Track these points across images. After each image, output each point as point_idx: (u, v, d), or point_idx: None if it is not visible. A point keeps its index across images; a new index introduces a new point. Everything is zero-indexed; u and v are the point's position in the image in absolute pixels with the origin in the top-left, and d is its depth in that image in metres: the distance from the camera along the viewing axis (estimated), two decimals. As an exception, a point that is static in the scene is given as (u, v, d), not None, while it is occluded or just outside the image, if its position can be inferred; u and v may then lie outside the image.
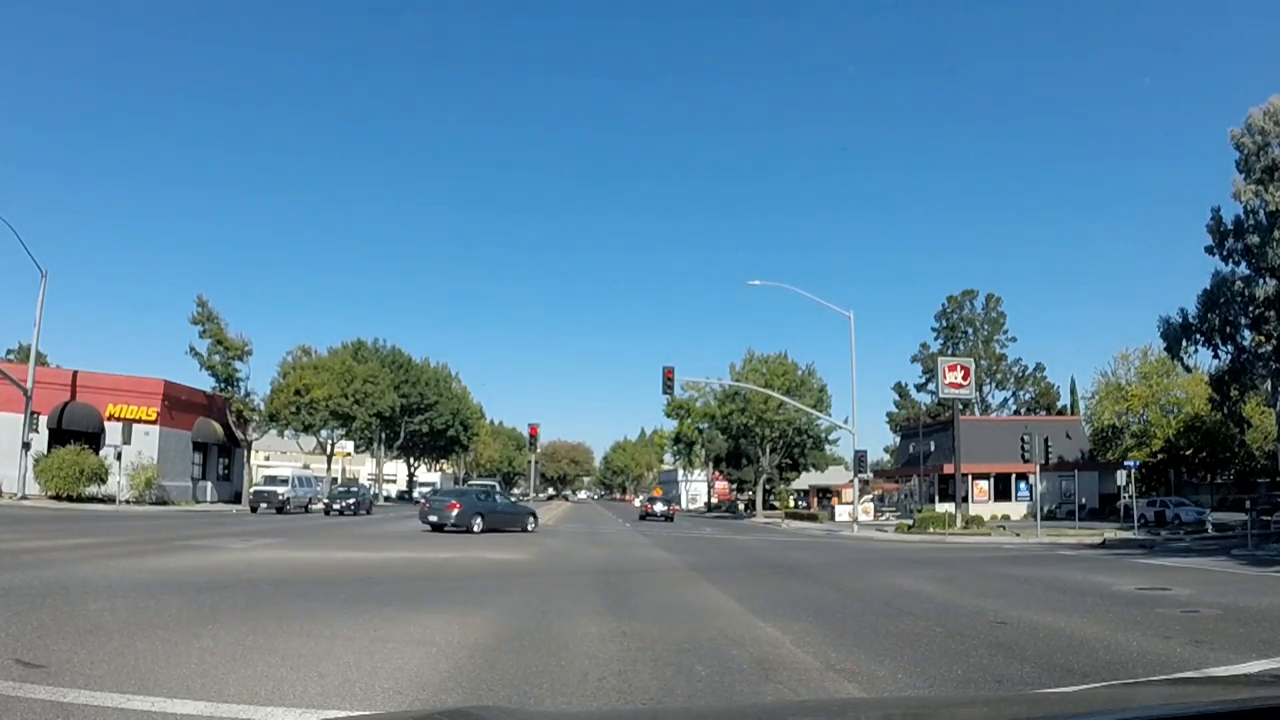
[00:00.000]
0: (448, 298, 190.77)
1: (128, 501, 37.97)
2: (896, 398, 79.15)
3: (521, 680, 6.36)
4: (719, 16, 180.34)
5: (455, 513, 28.70)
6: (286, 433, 58.82)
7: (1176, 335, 39.61)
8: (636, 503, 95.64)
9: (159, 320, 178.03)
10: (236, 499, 47.97)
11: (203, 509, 42.10)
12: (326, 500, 44.58)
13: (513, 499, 47.49)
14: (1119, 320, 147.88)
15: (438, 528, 28.65)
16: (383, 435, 71.60)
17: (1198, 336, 39.12)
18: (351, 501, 43.83)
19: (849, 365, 42.45)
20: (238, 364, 46.74)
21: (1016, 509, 51.74)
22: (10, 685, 5.53)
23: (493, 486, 47.43)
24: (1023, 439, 38.77)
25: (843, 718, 2.75)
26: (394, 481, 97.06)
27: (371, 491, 60.58)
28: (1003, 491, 54.30)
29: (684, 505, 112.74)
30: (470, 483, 56.16)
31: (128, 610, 8.94)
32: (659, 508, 52.09)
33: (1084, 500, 49.70)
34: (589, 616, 9.74)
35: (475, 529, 28.25)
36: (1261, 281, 35.32)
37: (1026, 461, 40.16)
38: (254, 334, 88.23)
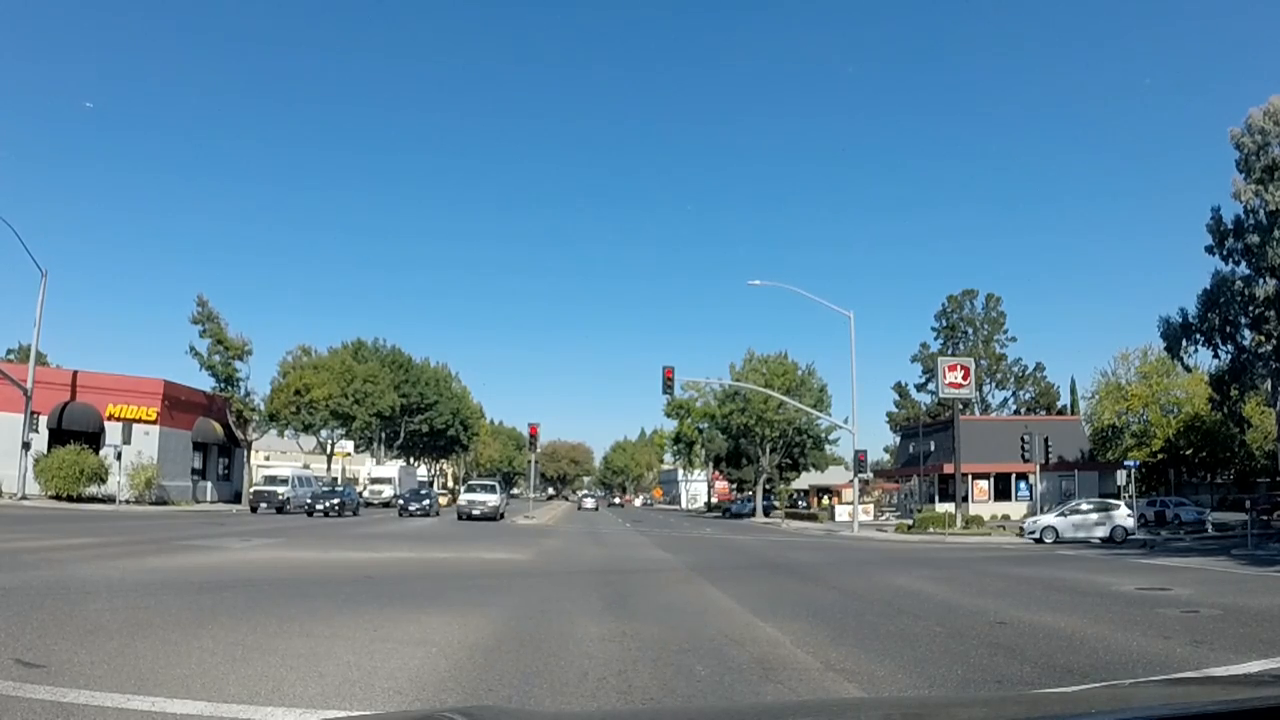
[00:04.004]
0: (448, 297, 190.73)
1: (128, 501, 37.94)
2: (896, 398, 79.12)
3: (521, 680, 6.36)
4: (720, 14, 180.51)
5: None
6: (286, 433, 58.77)
7: (1176, 335, 39.64)
8: (638, 502, 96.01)
9: (159, 320, 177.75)
10: (236, 499, 47.95)
11: (203, 509, 42.07)
12: (309, 500, 41.55)
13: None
14: (1119, 320, 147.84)
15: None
16: (383, 435, 71.59)
17: (1198, 336, 39.15)
18: (336, 502, 41.51)
19: (849, 365, 42.55)
20: (238, 364, 46.74)
21: (1016, 509, 51.71)
22: (10, 685, 5.53)
23: (493, 485, 47.48)
24: (1023, 439, 38.81)
25: (843, 718, 2.75)
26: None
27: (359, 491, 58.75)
28: (1003, 491, 54.29)
29: (684, 505, 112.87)
30: (470, 482, 55.39)
31: (128, 610, 8.94)
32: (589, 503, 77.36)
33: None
34: (589, 616, 9.74)
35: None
36: (1261, 281, 35.35)
37: (1026, 461, 40.19)
38: (254, 334, 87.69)
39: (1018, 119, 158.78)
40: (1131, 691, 3.89)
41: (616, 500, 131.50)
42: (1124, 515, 32.00)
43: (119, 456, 37.33)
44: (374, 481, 62.17)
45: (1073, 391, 75.06)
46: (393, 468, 66.15)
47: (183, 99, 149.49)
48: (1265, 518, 36.31)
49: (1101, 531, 31.09)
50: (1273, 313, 34.85)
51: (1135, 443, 61.54)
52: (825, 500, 66.10)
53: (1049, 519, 32.37)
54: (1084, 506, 33.09)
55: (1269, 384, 39.15)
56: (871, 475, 60.04)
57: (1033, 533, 31.52)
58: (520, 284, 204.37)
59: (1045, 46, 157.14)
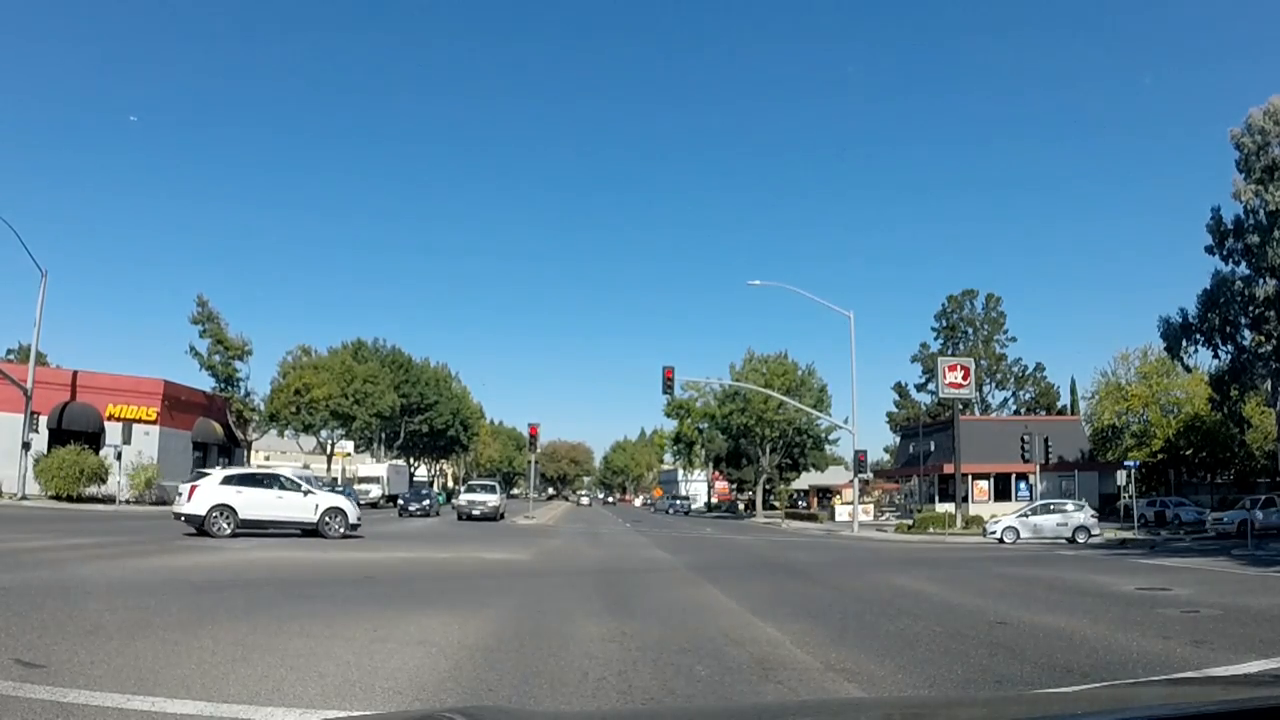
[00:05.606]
0: (448, 297, 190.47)
1: (128, 501, 37.92)
2: (896, 398, 79.03)
3: (521, 680, 6.36)
4: (719, 15, 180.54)
5: None
6: (286, 433, 58.77)
7: (1176, 335, 39.65)
8: (637, 502, 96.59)
9: (159, 320, 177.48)
10: (236, 499, 47.89)
11: (203, 509, 42.03)
12: None
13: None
14: (1119, 320, 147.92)
15: None
16: (383, 435, 71.55)
17: (1198, 336, 39.16)
18: None
19: (849, 365, 42.60)
20: (238, 364, 46.82)
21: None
22: (10, 685, 5.53)
23: (493, 485, 47.41)
24: (1023, 439, 38.82)
25: (843, 718, 2.74)
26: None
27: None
28: (1003, 491, 54.21)
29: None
30: (470, 482, 55.27)
31: (128, 610, 8.94)
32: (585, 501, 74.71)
33: (1084, 500, 49.69)
34: (589, 616, 9.74)
35: None
36: (1261, 281, 35.36)
37: (1026, 461, 40.18)
38: (254, 334, 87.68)
39: (1018, 119, 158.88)
40: (1132, 691, 3.89)
41: (611, 499, 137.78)
42: (1086, 516, 32.26)
43: (119, 456, 37.31)
44: (361, 480, 59.65)
45: (1073, 391, 75.04)
46: (381, 467, 63.81)
47: (183, 98, 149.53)
48: (1218, 514, 36.52)
49: (1064, 532, 31.32)
50: (1273, 313, 34.86)
51: (1135, 443, 61.45)
52: (828, 500, 66.12)
53: (1010, 520, 32.63)
54: (1045, 507, 33.40)
55: (1269, 384, 39.15)
56: (871, 475, 60.04)
57: (994, 533, 31.62)
58: (521, 284, 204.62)
59: (1045, 47, 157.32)
